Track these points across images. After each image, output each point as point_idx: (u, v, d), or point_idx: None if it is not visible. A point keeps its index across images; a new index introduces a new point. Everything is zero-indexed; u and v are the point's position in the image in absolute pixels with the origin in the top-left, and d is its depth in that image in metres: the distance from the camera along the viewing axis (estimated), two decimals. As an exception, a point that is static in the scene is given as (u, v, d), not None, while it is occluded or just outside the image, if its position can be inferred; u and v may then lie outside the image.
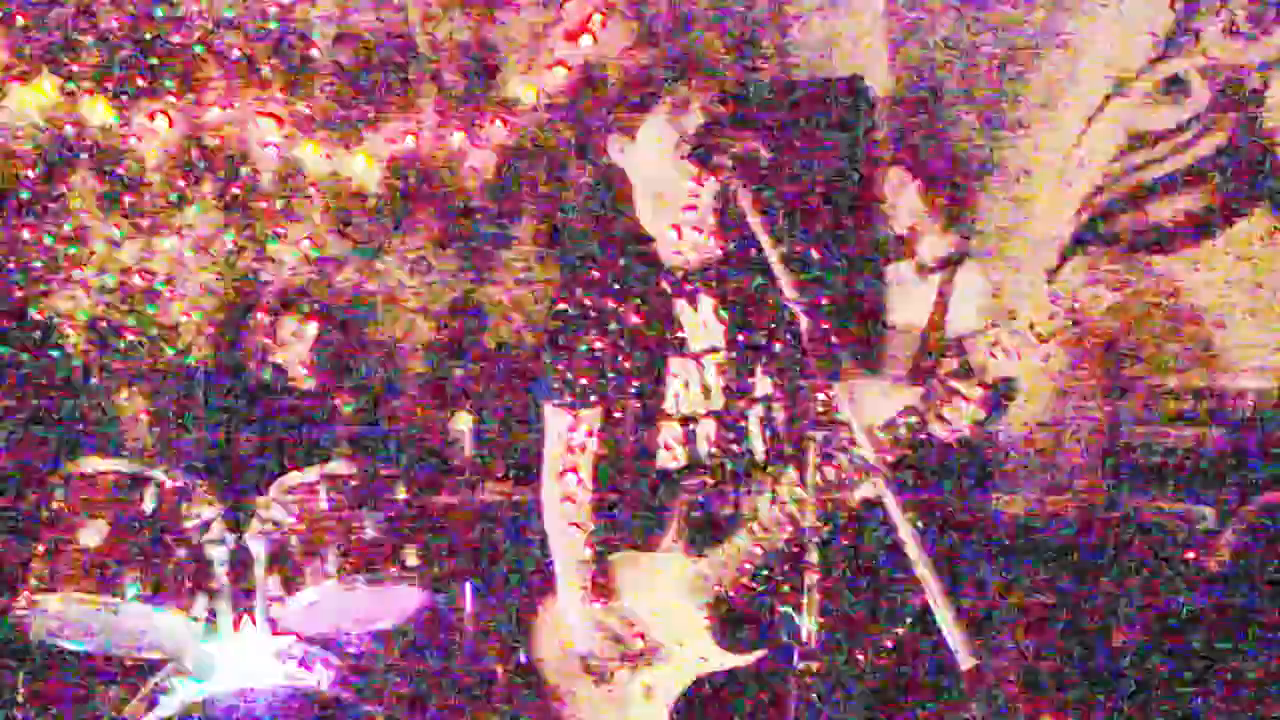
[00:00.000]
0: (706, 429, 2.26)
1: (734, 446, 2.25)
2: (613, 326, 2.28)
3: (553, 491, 2.37)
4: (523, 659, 2.49)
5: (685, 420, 2.26)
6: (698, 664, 2.22)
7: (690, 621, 2.22)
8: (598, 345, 2.29)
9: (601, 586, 2.31)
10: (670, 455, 2.28)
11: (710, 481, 2.26)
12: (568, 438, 2.35)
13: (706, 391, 2.25)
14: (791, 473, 2.19)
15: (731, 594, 2.21)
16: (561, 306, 2.33)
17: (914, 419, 1.96)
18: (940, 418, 1.96)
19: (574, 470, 2.34)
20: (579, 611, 2.30)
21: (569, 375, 2.32)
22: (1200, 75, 4.25)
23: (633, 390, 2.28)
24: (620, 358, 2.28)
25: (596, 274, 2.32)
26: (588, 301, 2.30)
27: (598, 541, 2.34)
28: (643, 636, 2.25)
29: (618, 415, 2.32)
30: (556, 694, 2.41)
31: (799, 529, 2.07)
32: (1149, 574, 3.60)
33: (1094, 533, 3.93)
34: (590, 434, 2.34)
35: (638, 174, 2.29)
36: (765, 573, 2.20)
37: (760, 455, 2.26)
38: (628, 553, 2.32)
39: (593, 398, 2.32)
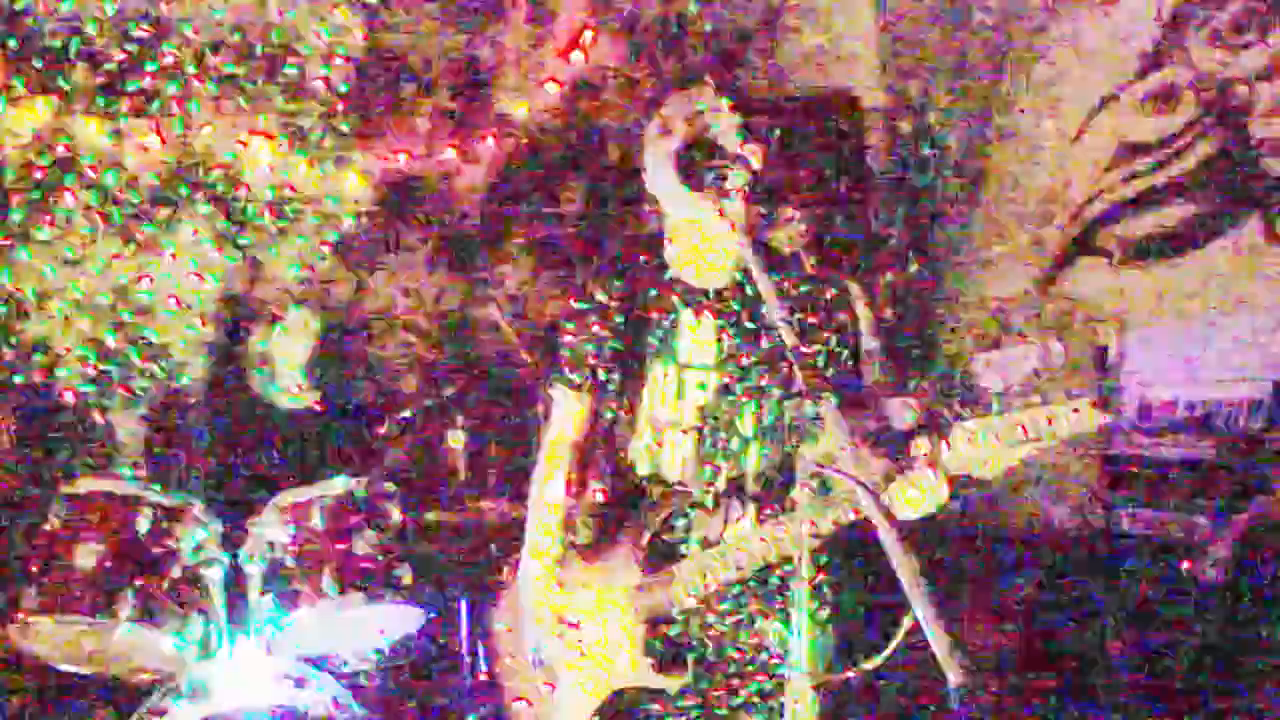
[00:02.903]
0: (677, 442, 2.26)
1: (705, 469, 2.26)
2: (612, 329, 2.30)
3: (543, 470, 2.40)
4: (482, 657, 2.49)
5: (657, 429, 2.27)
6: (620, 676, 2.23)
7: (625, 634, 2.23)
8: (595, 343, 2.31)
9: (561, 577, 2.33)
10: (640, 463, 2.29)
11: (675, 499, 2.26)
12: (561, 419, 2.38)
13: (681, 403, 2.25)
14: (748, 508, 2.21)
15: (676, 616, 2.21)
16: (579, 301, 2.35)
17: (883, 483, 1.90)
18: (897, 500, 1.89)
19: (564, 454, 2.38)
20: (533, 593, 2.32)
21: (575, 360, 2.35)
22: (1189, 86, 4.26)
23: (614, 390, 2.30)
24: (612, 358, 2.30)
25: (608, 279, 2.34)
26: (595, 302, 2.33)
27: (565, 535, 2.36)
28: (590, 632, 2.27)
29: (599, 414, 2.34)
30: (504, 677, 2.45)
31: (751, 563, 2.09)
32: (1144, 585, 3.60)
33: (1088, 543, 3.93)
34: (582, 419, 2.37)
35: (656, 195, 2.30)
36: (732, 597, 2.21)
37: (723, 485, 2.26)
38: (591, 549, 2.33)
39: (587, 387, 2.34)
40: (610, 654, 2.25)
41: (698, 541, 2.25)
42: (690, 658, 2.22)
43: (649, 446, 2.28)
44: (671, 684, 2.21)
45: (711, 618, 2.24)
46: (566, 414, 2.39)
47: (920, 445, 1.88)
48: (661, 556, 2.23)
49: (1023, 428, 1.83)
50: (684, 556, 2.22)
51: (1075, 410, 1.81)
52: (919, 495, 1.90)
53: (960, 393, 1.86)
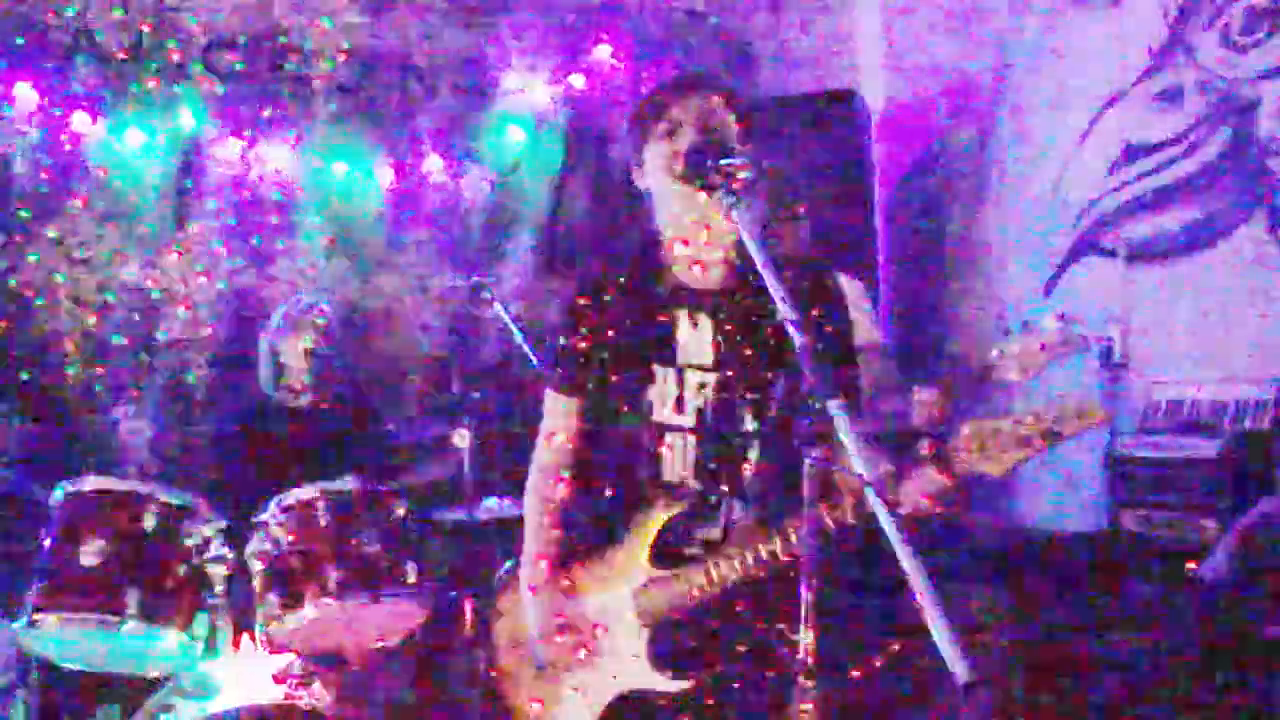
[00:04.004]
0: (677, 444, 2.25)
1: (705, 470, 2.25)
2: (611, 329, 2.29)
3: (535, 474, 2.39)
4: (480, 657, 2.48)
5: (657, 431, 2.26)
6: (625, 679, 2.23)
7: (630, 636, 2.23)
8: (593, 344, 2.30)
9: (563, 580, 2.31)
10: (640, 466, 2.28)
11: (679, 501, 2.25)
12: (553, 422, 2.37)
13: (680, 405, 2.25)
14: (750, 508, 2.22)
15: (680, 618, 2.20)
16: (576, 302, 2.34)
17: (889, 484, 1.92)
18: (902, 497, 1.92)
19: (558, 456, 2.37)
20: (537, 595, 2.31)
21: (567, 362, 2.34)
22: (1195, 86, 4.26)
23: (614, 393, 2.28)
24: (610, 359, 2.29)
25: (606, 279, 2.33)
26: (593, 302, 2.31)
27: (566, 537, 2.35)
28: (593, 635, 2.26)
29: (599, 416, 2.33)
30: (504, 681, 2.43)
31: (755, 564, 2.09)
32: (1149, 585, 3.60)
33: (1093, 544, 3.93)
34: (574, 422, 2.36)
35: (652, 195, 2.28)
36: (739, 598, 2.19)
37: (725, 486, 2.25)
38: (593, 552, 2.32)
39: (579, 389, 2.33)
40: (615, 658, 2.24)
41: (700, 543, 2.24)
42: (695, 660, 2.20)
43: (650, 448, 2.27)
44: (676, 687, 2.20)
45: (716, 620, 2.22)
46: (557, 417, 2.38)
47: (925, 448, 1.88)
48: (665, 559, 2.23)
49: (1028, 428, 1.85)
50: (687, 559, 2.21)
51: (1080, 411, 1.84)
52: (924, 497, 1.91)
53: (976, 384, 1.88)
